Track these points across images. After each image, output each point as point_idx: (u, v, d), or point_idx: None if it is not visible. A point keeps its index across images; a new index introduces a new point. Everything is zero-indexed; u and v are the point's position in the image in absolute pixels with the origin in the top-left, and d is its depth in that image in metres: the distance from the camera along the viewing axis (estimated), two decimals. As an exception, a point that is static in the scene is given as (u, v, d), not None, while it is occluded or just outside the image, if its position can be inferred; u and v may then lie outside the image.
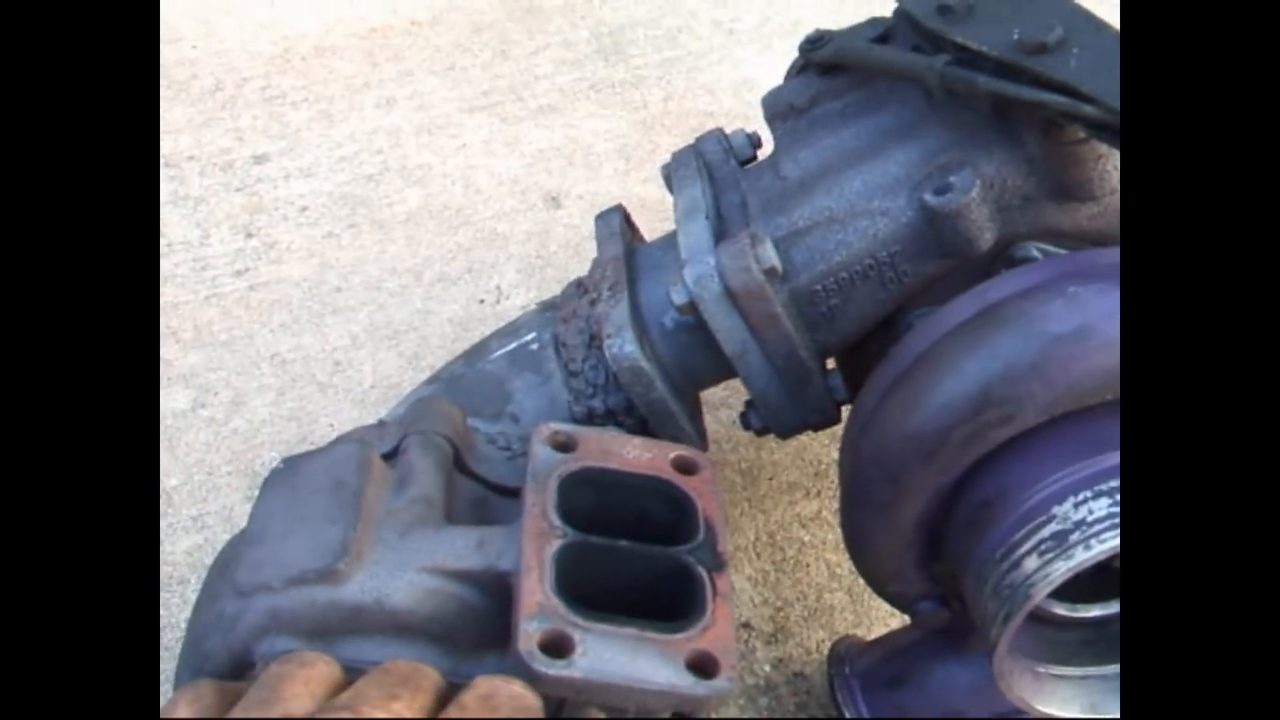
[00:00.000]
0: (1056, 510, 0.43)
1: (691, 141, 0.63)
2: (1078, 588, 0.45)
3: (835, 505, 0.73)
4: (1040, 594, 0.42)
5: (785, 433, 0.58)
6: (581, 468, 0.49)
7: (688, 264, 0.53)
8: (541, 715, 0.38)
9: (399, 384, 0.78)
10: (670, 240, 0.58)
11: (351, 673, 0.39)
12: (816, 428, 0.58)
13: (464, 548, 0.46)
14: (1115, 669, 0.49)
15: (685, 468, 0.50)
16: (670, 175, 0.61)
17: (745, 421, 0.59)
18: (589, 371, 0.57)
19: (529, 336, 0.60)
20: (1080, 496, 0.43)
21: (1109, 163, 0.50)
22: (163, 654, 0.64)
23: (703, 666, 0.43)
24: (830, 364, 0.58)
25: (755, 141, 0.62)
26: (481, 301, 0.84)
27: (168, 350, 0.80)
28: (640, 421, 0.57)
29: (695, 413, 0.61)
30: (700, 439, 0.59)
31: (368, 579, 0.45)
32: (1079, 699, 0.49)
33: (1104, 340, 0.42)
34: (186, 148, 0.95)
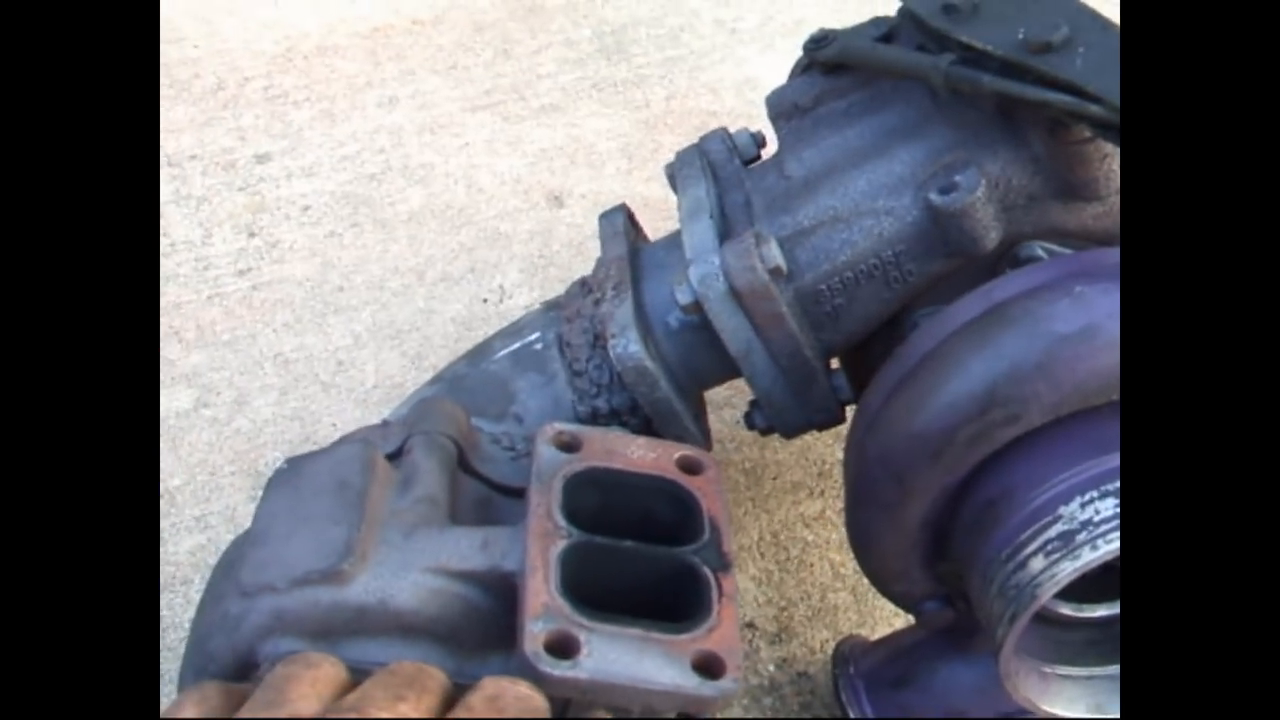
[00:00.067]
0: (1063, 510, 0.43)
1: (695, 141, 0.63)
2: (1083, 588, 0.45)
3: (839, 505, 0.73)
4: (1046, 594, 0.42)
5: (790, 432, 0.58)
6: (586, 468, 0.49)
7: (692, 263, 0.53)
8: (548, 716, 0.38)
9: (402, 384, 0.78)
10: (674, 240, 0.58)
11: (356, 674, 0.39)
12: (821, 427, 0.58)
13: (469, 548, 0.46)
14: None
15: (690, 468, 0.50)
16: (674, 174, 0.61)
17: (749, 421, 0.59)
18: (593, 371, 0.57)
19: (533, 336, 0.60)
20: (1086, 496, 0.42)
21: (1114, 162, 0.50)
22: (166, 654, 0.64)
23: (708, 667, 0.42)
24: (834, 363, 0.58)
25: (759, 141, 0.62)
26: (484, 301, 0.84)
27: (170, 350, 0.80)
28: (644, 421, 0.57)
29: (700, 412, 0.61)
30: (705, 439, 0.59)
31: (372, 579, 0.45)
32: (1084, 699, 0.49)
33: (1110, 340, 0.42)
34: (189, 147, 0.94)
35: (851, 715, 0.57)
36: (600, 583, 0.44)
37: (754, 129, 0.62)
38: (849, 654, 0.59)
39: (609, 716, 0.44)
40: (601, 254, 0.61)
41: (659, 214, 0.79)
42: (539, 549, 0.45)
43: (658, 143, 0.97)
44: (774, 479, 0.74)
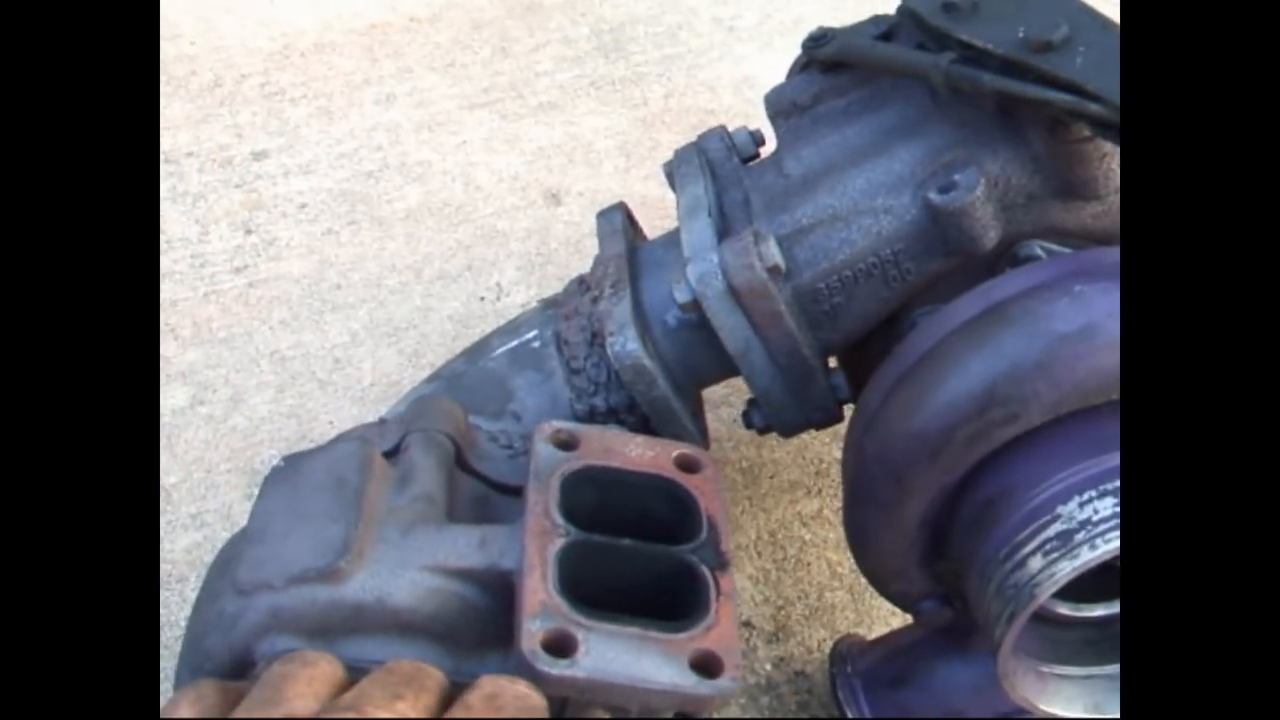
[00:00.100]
0: (1061, 510, 0.43)
1: (693, 139, 0.63)
2: (1081, 587, 0.45)
3: (836, 504, 0.73)
4: (1045, 594, 0.42)
5: (787, 431, 0.58)
6: (584, 466, 0.49)
7: (691, 261, 0.53)
8: (546, 715, 0.38)
9: (399, 381, 0.78)
10: (673, 238, 0.58)
11: (354, 672, 0.39)
12: (819, 426, 0.58)
13: (466, 546, 0.46)
14: (1119, 669, 0.49)
15: (688, 466, 0.50)
16: (672, 173, 0.61)
17: (747, 420, 0.59)
18: (591, 369, 0.57)
19: (530, 334, 0.60)
20: (1085, 496, 0.42)
21: (1113, 161, 0.50)
22: (162, 652, 0.63)
23: (706, 666, 0.42)
24: (832, 362, 0.58)
25: (758, 139, 0.61)
26: (482, 299, 0.84)
27: (166, 347, 0.79)
28: (642, 420, 0.57)
29: (697, 411, 0.61)
30: (702, 437, 0.58)
31: (369, 578, 0.45)
32: (1082, 699, 0.49)
33: (1109, 339, 0.42)
34: (185, 144, 0.94)
35: (849, 714, 0.57)
36: (598, 581, 0.44)
37: (752, 127, 0.62)
38: (846, 653, 0.59)
39: (607, 715, 0.44)
40: (599, 252, 0.61)
41: (656, 212, 0.79)
42: (537, 547, 0.44)
43: (655, 141, 0.97)
44: (771, 478, 0.74)
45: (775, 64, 1.00)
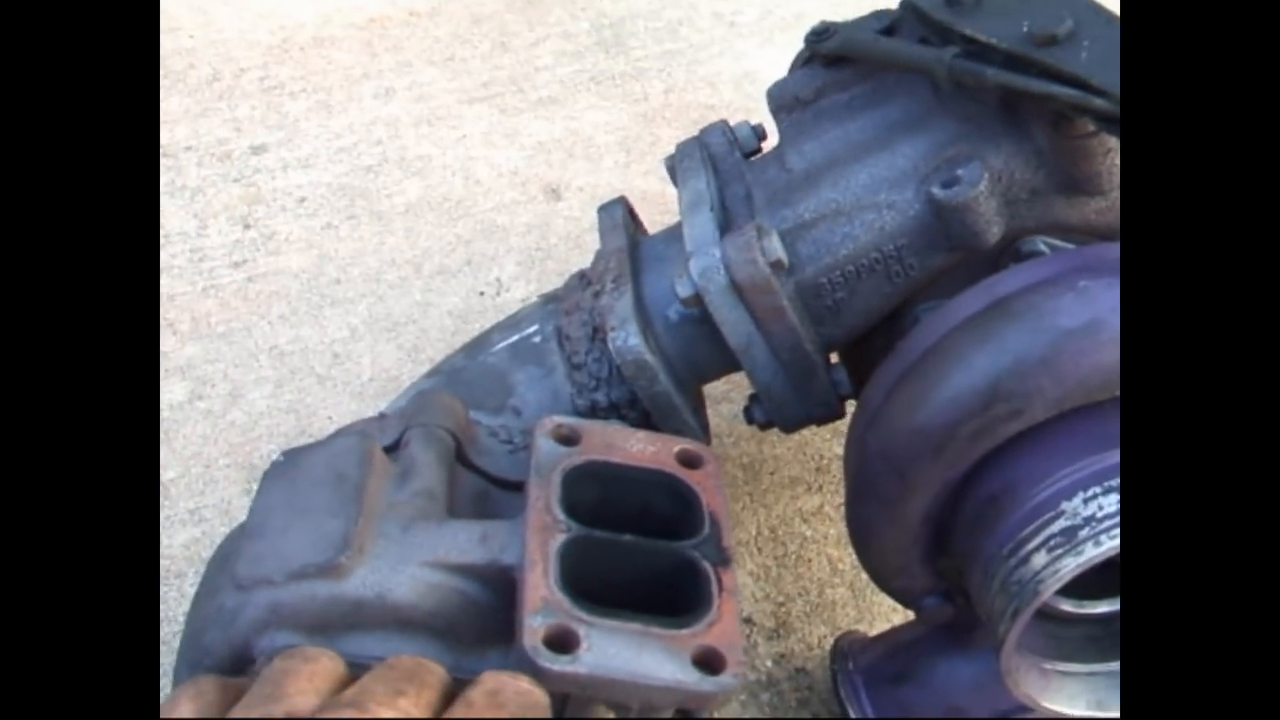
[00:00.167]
0: (1065, 506, 0.42)
1: (693, 134, 0.63)
2: (1084, 584, 0.45)
3: (837, 500, 0.72)
4: (1049, 590, 0.42)
5: (789, 427, 0.58)
6: (585, 461, 0.48)
7: (693, 256, 0.53)
8: (548, 711, 0.37)
9: (398, 376, 0.78)
10: (674, 232, 0.58)
11: (354, 668, 0.39)
12: (820, 422, 0.58)
13: (467, 542, 0.46)
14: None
15: (689, 462, 0.50)
16: (674, 167, 0.61)
17: (749, 415, 0.58)
18: (592, 364, 0.56)
19: (531, 329, 0.59)
20: (1090, 492, 0.42)
21: (1118, 156, 0.50)
22: (160, 648, 0.63)
23: (709, 662, 0.42)
24: (833, 358, 0.58)
25: (760, 134, 0.61)
26: (481, 294, 0.84)
27: (165, 342, 0.79)
28: (643, 415, 0.57)
29: (699, 406, 0.60)
30: (703, 433, 0.58)
31: (369, 573, 0.44)
32: (1085, 695, 0.48)
33: (1114, 335, 0.42)
34: (184, 138, 0.94)
35: (850, 711, 0.57)
36: (600, 577, 0.44)
37: (754, 122, 0.62)
38: (847, 650, 0.59)
39: (608, 712, 0.44)
40: (600, 246, 0.61)
41: (657, 208, 0.79)
42: (538, 543, 0.44)
43: (656, 136, 0.96)
44: (772, 474, 0.74)
45: (776, 59, 1.00)
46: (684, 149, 0.61)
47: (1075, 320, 0.43)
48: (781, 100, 0.59)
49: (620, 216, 0.62)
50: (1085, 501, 0.42)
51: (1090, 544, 0.41)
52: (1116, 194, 0.51)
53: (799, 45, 0.61)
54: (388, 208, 0.90)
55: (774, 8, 1.10)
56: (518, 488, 0.49)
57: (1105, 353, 0.42)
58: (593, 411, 0.57)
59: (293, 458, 0.49)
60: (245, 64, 1.01)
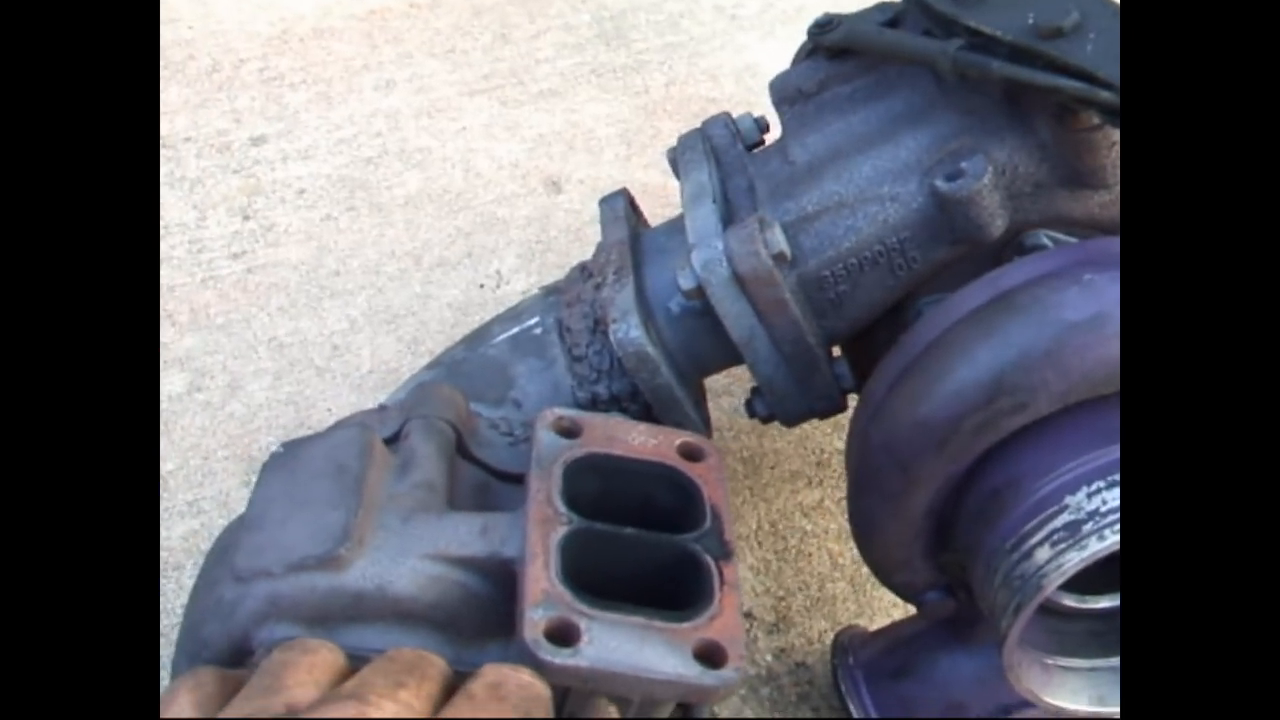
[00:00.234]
0: (1069, 500, 0.42)
1: (695, 127, 0.62)
2: (1086, 579, 0.45)
3: (838, 494, 0.72)
4: (1052, 585, 0.42)
5: (791, 420, 0.58)
6: (587, 454, 0.48)
7: (695, 248, 0.53)
8: (550, 705, 0.37)
9: (397, 369, 0.78)
10: (676, 225, 0.58)
11: (354, 660, 0.38)
12: (822, 415, 0.57)
13: (467, 534, 0.45)
14: (1123, 661, 0.48)
15: (691, 454, 0.50)
16: (676, 159, 0.60)
17: (750, 409, 0.58)
18: (593, 356, 0.56)
19: (532, 321, 0.59)
20: (1094, 486, 0.42)
21: (1122, 150, 0.50)
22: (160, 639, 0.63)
23: (710, 656, 0.42)
24: (835, 352, 0.58)
25: (762, 126, 0.61)
26: (481, 286, 0.83)
27: (164, 333, 0.79)
28: (644, 408, 0.56)
29: (700, 399, 0.60)
30: (705, 426, 0.58)
31: (369, 565, 0.44)
32: (1087, 691, 0.48)
33: (1119, 329, 0.42)
34: (183, 129, 0.94)
35: (850, 706, 0.56)
36: (601, 570, 0.44)
37: (757, 114, 0.62)
38: (848, 644, 0.59)
39: (609, 707, 0.44)
40: (602, 238, 0.61)
41: (657, 200, 0.79)
42: (539, 535, 0.44)
43: (656, 129, 0.96)
44: (772, 468, 0.74)
45: (777, 52, 1.00)
46: (686, 141, 0.61)
47: (1080, 313, 0.42)
48: (784, 92, 0.58)
49: (621, 209, 0.62)
50: (1089, 496, 0.42)
51: (1094, 538, 0.41)
52: (1119, 187, 0.51)
53: (801, 38, 0.60)
54: (387, 200, 0.89)
55: (775, 1, 1.09)
56: (518, 480, 0.49)
57: (1110, 346, 0.42)
58: (593, 404, 0.56)
59: (292, 449, 0.48)
60: (245, 55, 1.01)
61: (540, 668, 0.40)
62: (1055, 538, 0.42)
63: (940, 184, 0.50)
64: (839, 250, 0.53)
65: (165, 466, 0.72)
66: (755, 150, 0.60)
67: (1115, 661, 0.49)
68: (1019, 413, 0.43)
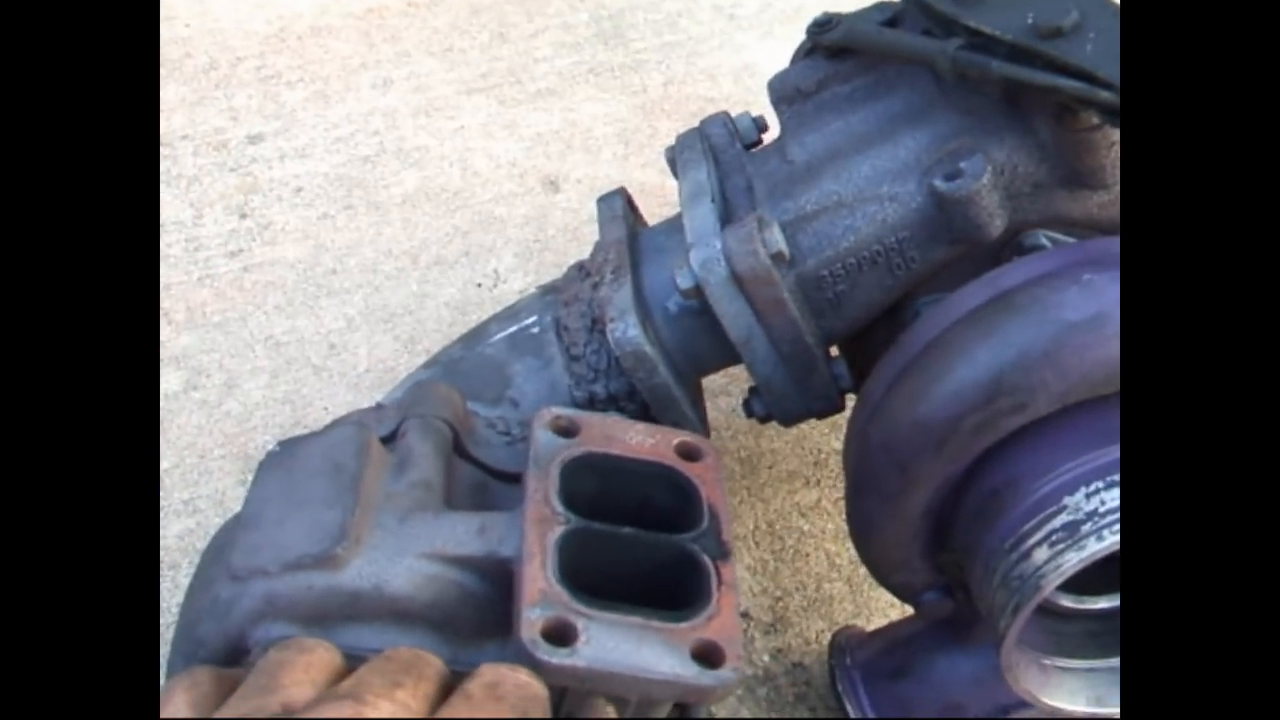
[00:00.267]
0: (1068, 500, 0.42)
1: (693, 126, 0.62)
2: (1085, 579, 0.45)
3: (835, 495, 0.72)
4: (1051, 585, 0.42)
5: (788, 420, 0.57)
6: (584, 453, 0.48)
7: (694, 247, 0.53)
8: (547, 705, 0.37)
9: (394, 367, 0.77)
10: (674, 224, 0.58)
11: (351, 660, 0.38)
12: (820, 415, 0.57)
13: (465, 533, 0.45)
14: (1121, 662, 0.48)
15: (689, 454, 0.50)
16: (674, 158, 0.60)
17: (748, 408, 0.58)
18: (591, 356, 0.56)
19: (529, 320, 0.59)
20: (1092, 487, 0.42)
21: (1121, 150, 0.50)
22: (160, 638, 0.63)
23: (708, 656, 0.42)
24: (833, 351, 0.58)
25: (761, 125, 0.61)
26: (479, 285, 0.83)
27: (160, 331, 0.79)
28: (642, 407, 0.56)
29: (697, 399, 0.60)
30: (702, 425, 0.58)
31: (366, 564, 0.44)
32: (1085, 691, 0.48)
33: (1118, 329, 0.42)
34: (180, 127, 0.93)
35: (848, 706, 0.56)
36: (598, 570, 0.44)
37: (755, 114, 0.62)
38: (845, 645, 0.59)
39: (606, 707, 0.43)
40: (600, 238, 0.61)
41: (655, 200, 0.78)
42: (536, 535, 0.44)
43: (654, 128, 0.96)
44: (770, 468, 0.74)
45: (776, 52, 1.00)
46: (684, 140, 0.61)
47: (1079, 313, 0.42)
48: (783, 92, 0.58)
49: (619, 208, 0.62)
50: (1088, 496, 0.42)
51: (1092, 539, 0.41)
52: (1119, 188, 0.51)
53: (799, 38, 0.60)
54: (385, 198, 0.89)
55: (774, 0, 1.09)
56: (516, 479, 0.49)
57: (1109, 346, 0.42)
58: (591, 403, 0.56)
59: (289, 448, 0.48)
60: (242, 53, 1.00)
61: (537, 667, 0.40)
62: (1054, 538, 0.42)
63: (939, 184, 0.50)
64: (837, 250, 0.53)
65: (161, 465, 0.72)
66: (753, 150, 0.60)
67: (1113, 662, 0.49)
68: (1018, 413, 0.43)
